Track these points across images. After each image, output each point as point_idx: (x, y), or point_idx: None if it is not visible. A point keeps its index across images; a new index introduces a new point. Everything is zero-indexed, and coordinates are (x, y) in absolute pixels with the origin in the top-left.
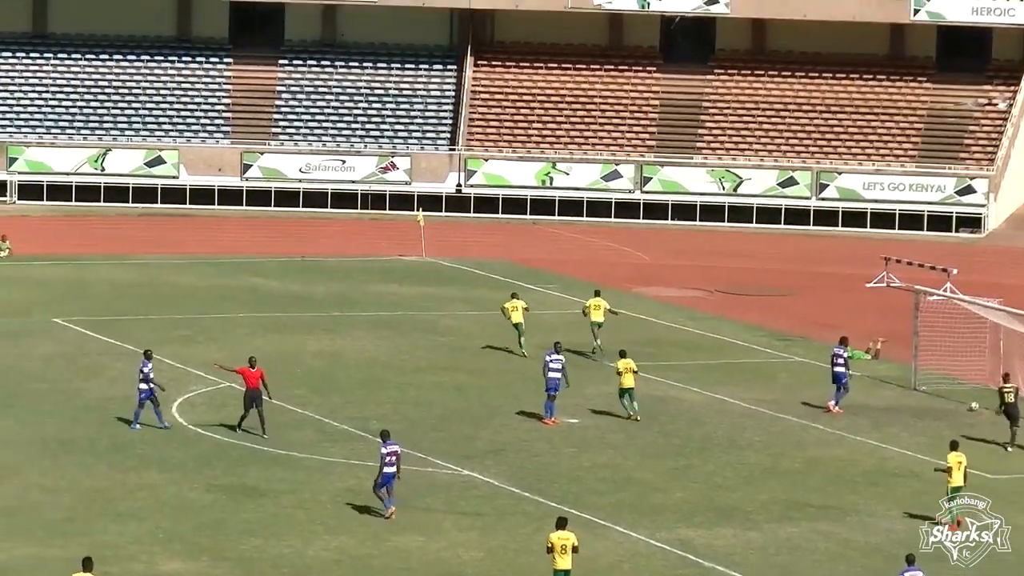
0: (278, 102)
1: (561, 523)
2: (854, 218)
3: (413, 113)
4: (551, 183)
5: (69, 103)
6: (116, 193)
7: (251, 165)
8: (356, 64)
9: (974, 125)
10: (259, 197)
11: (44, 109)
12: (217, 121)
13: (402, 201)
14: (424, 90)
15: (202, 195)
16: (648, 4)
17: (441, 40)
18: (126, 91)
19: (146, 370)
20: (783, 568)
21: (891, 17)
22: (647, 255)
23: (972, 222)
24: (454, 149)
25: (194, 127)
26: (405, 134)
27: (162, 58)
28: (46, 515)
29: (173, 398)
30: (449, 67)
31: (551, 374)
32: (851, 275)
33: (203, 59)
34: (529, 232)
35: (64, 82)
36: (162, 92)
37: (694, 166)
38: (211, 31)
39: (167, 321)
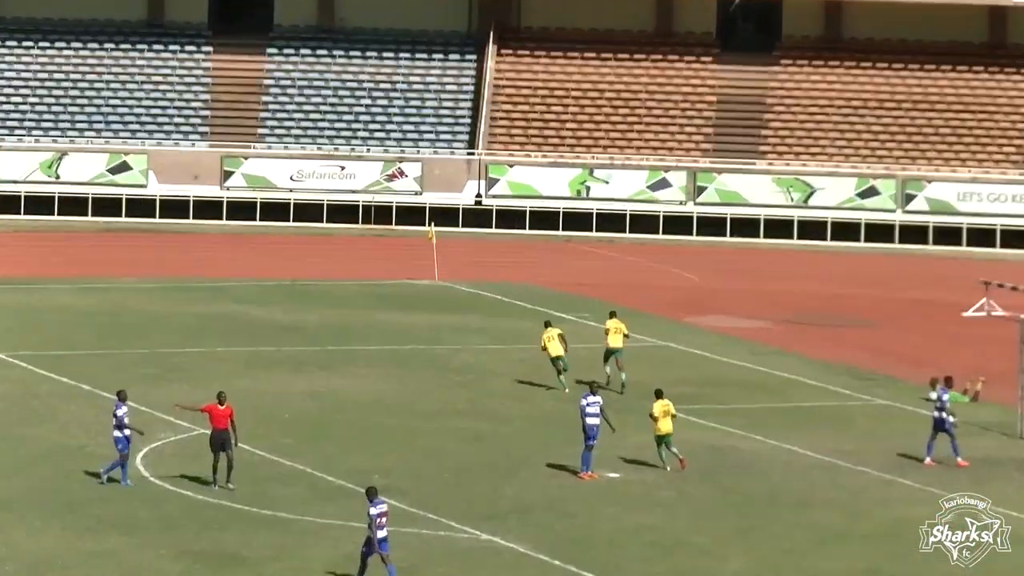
0: (265, 98)
1: None
2: (947, 235)
3: (425, 111)
4: (587, 193)
5: (19, 99)
6: (73, 205)
7: (233, 172)
8: (358, 53)
9: None
10: (242, 210)
11: None
12: (193, 120)
13: (411, 214)
14: (438, 84)
15: (175, 207)
16: None
17: (458, 26)
18: (86, 85)
19: (120, 413)
20: None
21: None
22: (700, 278)
23: None
24: (473, 153)
25: (166, 127)
26: (415, 135)
27: (129, 46)
28: None
29: (138, 448)
30: (468, 57)
31: (589, 420)
32: (944, 302)
33: (178, 47)
34: (561, 251)
35: (14, 74)
36: (129, 86)
37: (757, 173)
38: (188, 15)
39: (131, 357)
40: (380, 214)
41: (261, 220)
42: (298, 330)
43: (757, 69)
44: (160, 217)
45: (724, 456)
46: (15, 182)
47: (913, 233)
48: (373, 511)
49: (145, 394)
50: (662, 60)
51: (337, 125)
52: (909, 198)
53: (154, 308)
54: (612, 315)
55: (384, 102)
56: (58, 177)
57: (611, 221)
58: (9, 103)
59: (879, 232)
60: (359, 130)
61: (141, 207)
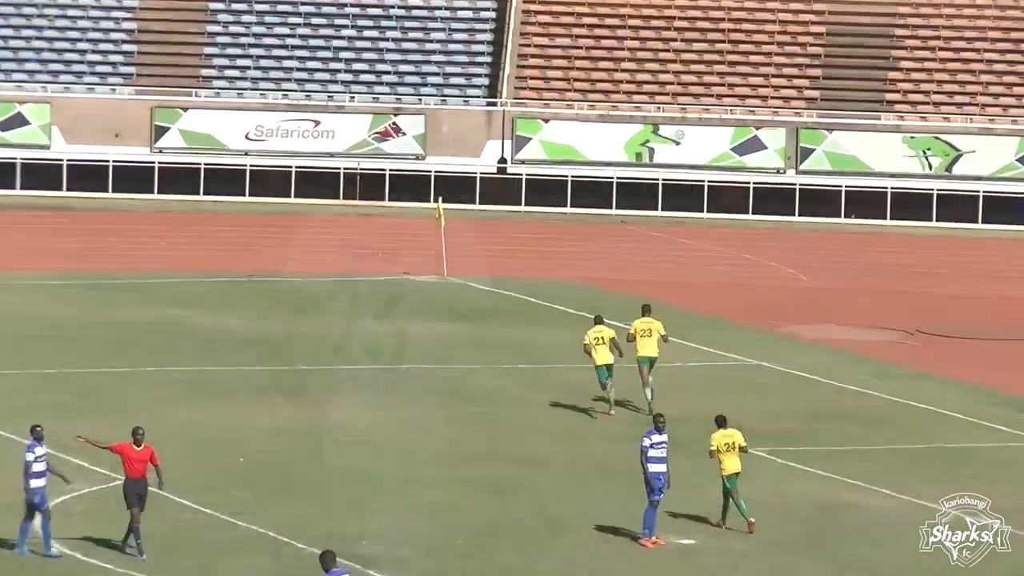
0: (213, 27)
1: None
2: None
3: (430, 47)
4: (650, 158)
5: None
6: None
7: (168, 128)
8: None
9: None
10: (180, 180)
11: None
12: (113, 57)
13: (411, 186)
14: (447, 9)
15: (88, 176)
16: None
17: None
18: None
19: (31, 458)
20: None
21: None
22: (805, 274)
23: None
24: (495, 103)
25: (77, 68)
26: (416, 79)
27: None
28: None
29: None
30: None
31: (652, 466)
32: None
33: None
34: (614, 235)
35: None
36: (26, 13)
37: (881, 131)
38: None
39: (31, 378)
40: (368, 185)
41: (206, 194)
42: (258, 343)
43: None
44: (68, 190)
45: (838, 516)
46: None
47: None
48: None
49: (49, 428)
50: None
51: (310, 64)
52: None
53: (61, 313)
54: (645, 311)
55: (374, 32)
56: None
57: (683, 196)
58: None
59: None
60: (339, 71)
61: (42, 175)
